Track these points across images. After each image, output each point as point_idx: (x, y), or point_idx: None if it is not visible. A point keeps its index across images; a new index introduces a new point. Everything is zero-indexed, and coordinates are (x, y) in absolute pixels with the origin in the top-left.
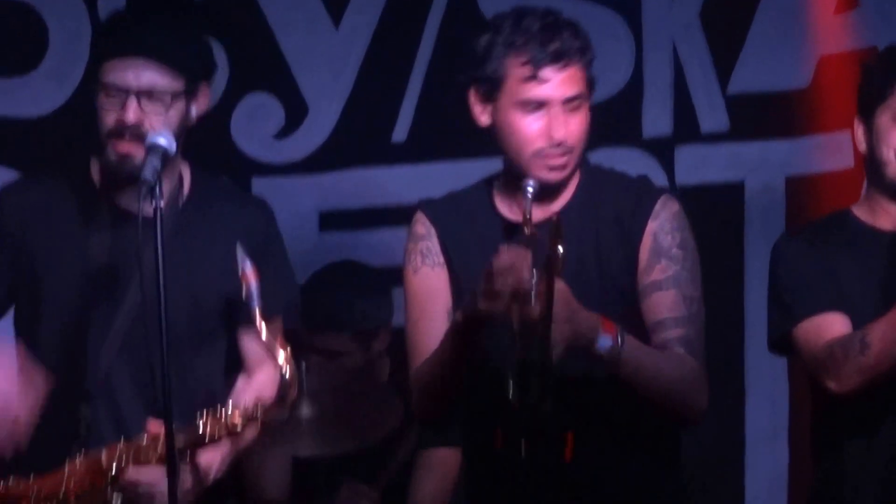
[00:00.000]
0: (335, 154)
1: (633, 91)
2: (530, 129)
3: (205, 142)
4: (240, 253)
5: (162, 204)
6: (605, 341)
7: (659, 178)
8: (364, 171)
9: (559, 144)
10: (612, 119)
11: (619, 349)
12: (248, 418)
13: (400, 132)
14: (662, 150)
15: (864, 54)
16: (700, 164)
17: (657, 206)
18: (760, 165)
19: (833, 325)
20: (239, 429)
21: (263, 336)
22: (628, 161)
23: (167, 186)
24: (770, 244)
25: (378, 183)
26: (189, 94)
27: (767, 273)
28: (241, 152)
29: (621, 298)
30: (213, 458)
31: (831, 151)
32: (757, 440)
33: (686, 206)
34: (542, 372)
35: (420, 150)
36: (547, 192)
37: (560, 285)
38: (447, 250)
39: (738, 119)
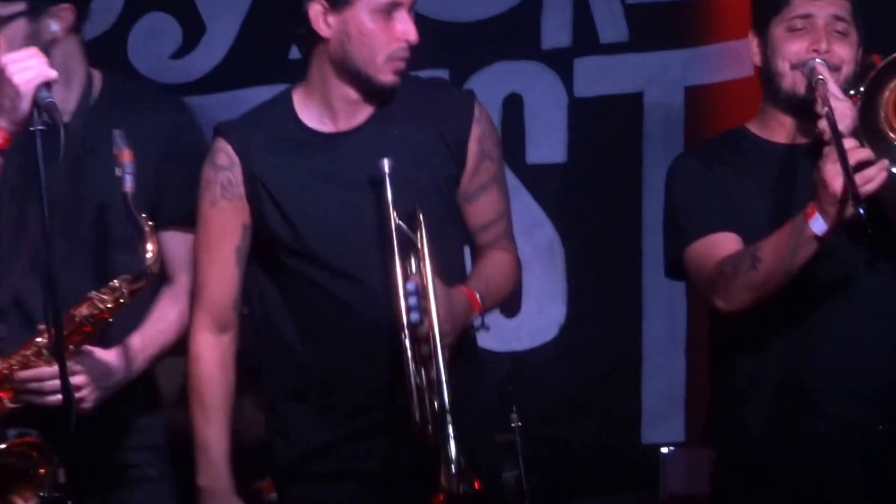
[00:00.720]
0: (233, 73)
1: (532, 3)
2: (391, 31)
3: (101, 62)
4: (117, 136)
5: (46, 118)
6: (476, 319)
7: (558, 90)
8: (262, 90)
9: (407, 46)
10: (510, 32)
11: (483, 311)
12: (115, 293)
13: (297, 50)
14: (561, 62)
15: None
16: (599, 76)
17: (476, 112)
18: (660, 76)
19: (724, 244)
20: (107, 305)
21: (135, 214)
22: (527, 74)
23: (72, 94)
24: (669, 155)
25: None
26: (34, 12)
27: (661, 185)
28: (138, 73)
29: (443, 202)
30: (107, 357)
31: (731, 60)
32: (654, 352)
33: (584, 118)
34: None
35: None
36: (378, 97)
37: (438, 289)
38: (251, 175)
39: (638, 29)
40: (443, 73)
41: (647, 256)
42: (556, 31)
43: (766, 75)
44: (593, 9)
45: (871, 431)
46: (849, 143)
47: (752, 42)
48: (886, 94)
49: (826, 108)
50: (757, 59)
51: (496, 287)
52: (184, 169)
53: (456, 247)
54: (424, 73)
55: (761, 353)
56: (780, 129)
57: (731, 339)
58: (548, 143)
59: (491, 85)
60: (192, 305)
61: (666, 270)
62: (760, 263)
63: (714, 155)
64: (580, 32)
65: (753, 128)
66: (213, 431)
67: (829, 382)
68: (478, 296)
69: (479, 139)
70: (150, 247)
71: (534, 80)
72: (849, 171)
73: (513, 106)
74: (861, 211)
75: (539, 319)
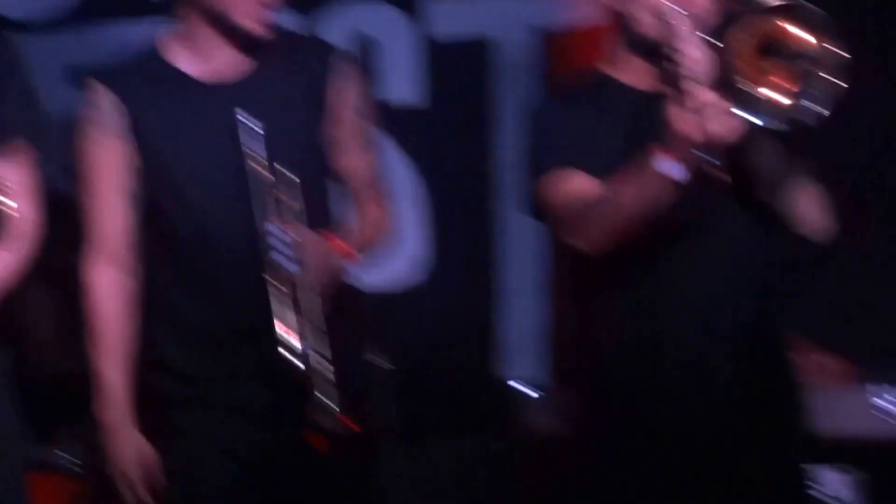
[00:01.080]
0: (90, 9)
1: None
2: None
3: None
4: None
5: None
6: (347, 268)
7: (410, 33)
8: (120, 28)
9: None
10: None
11: (356, 258)
12: None
13: None
14: (411, 4)
15: None
16: (450, 19)
17: (348, 68)
18: (510, 19)
19: (582, 182)
20: None
21: None
22: (375, 17)
23: None
24: (521, 99)
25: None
26: None
27: (517, 128)
28: None
29: (315, 155)
30: None
31: (587, 3)
32: (513, 290)
33: (437, 62)
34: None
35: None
36: (248, 46)
37: (310, 237)
38: (130, 120)
39: None
40: (294, 16)
41: (504, 195)
42: None
43: (622, 20)
44: None
45: (723, 373)
46: (702, 89)
47: None
48: (743, 44)
49: (680, 54)
50: (612, 2)
51: (369, 235)
52: (8, 89)
53: (326, 198)
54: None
55: (618, 295)
56: (636, 74)
57: (590, 279)
58: (400, 86)
59: (342, 28)
60: (85, 249)
61: (523, 208)
62: (609, 201)
63: (574, 98)
64: None
65: (613, 72)
66: (111, 368)
67: (682, 325)
68: (350, 244)
69: (351, 94)
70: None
71: (388, 22)
72: (697, 118)
73: (365, 49)
74: (704, 158)
75: (399, 260)
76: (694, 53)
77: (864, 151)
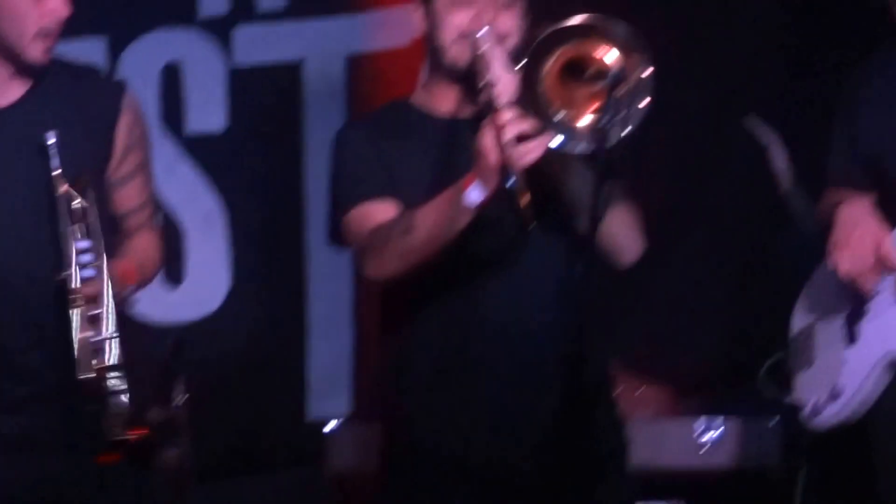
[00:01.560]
0: None
1: None
2: (41, 5)
3: None
4: None
5: None
6: (129, 290)
7: (217, 60)
8: None
9: (59, 21)
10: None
11: (138, 283)
12: None
13: None
14: (219, 31)
15: None
16: (258, 45)
17: (125, 102)
18: (320, 44)
19: (382, 211)
20: None
21: None
22: (185, 44)
23: None
24: (330, 124)
25: None
26: None
27: (327, 156)
28: None
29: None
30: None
31: (395, 27)
32: (319, 322)
33: (244, 89)
34: None
35: None
36: (29, 73)
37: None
38: None
39: None
40: (100, 42)
41: (310, 226)
42: None
43: (430, 46)
44: None
45: (538, 405)
46: (508, 114)
47: (416, 11)
48: (548, 65)
49: (487, 80)
50: (420, 29)
51: (147, 263)
52: None
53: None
54: (80, 43)
55: (426, 323)
56: (444, 100)
57: (397, 308)
58: (207, 112)
59: (149, 54)
60: None
61: (330, 238)
62: (415, 230)
63: (376, 126)
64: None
65: (416, 99)
66: None
67: (493, 355)
68: (135, 267)
69: (127, 128)
70: None
71: (191, 49)
72: (503, 143)
73: (171, 76)
74: (510, 183)
75: (202, 289)
76: (506, 79)
77: (679, 167)
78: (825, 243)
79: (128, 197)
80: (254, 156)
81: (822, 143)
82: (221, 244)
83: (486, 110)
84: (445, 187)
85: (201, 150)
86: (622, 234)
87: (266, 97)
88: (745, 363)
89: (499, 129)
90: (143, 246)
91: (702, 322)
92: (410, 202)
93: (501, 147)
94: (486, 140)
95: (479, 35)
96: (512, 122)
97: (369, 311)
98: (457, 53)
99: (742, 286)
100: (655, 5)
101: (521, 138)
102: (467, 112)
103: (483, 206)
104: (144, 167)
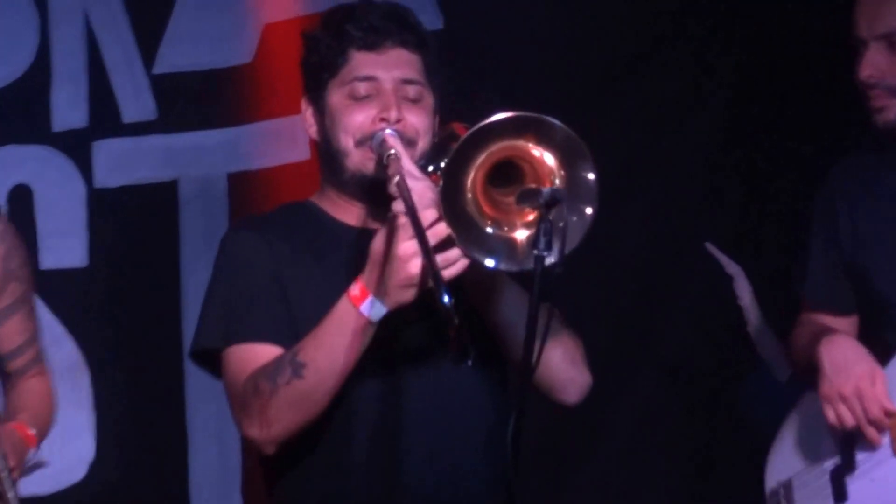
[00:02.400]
0: None
1: (39, 74)
2: None
3: None
4: None
5: None
6: (32, 455)
7: (74, 180)
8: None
9: None
10: (15, 109)
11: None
12: None
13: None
14: (77, 146)
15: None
16: (124, 162)
17: (1, 227)
18: (197, 160)
19: (265, 356)
20: None
21: None
22: (36, 161)
23: None
24: (211, 252)
25: None
26: None
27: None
28: None
29: None
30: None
31: (283, 141)
32: (203, 486)
33: (110, 213)
34: None
35: None
36: None
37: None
38: None
39: (168, 106)
40: None
41: (190, 372)
42: (69, 108)
43: (327, 152)
44: (112, 80)
45: None
46: (427, 215)
47: (307, 112)
48: (472, 172)
49: (398, 181)
50: (313, 132)
51: (42, 418)
52: None
53: None
54: None
55: (338, 458)
56: (348, 211)
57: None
58: (65, 243)
59: None
60: None
61: (191, 355)
62: (305, 369)
63: (274, 231)
64: (98, 110)
65: (322, 203)
66: None
67: (408, 490)
68: (30, 429)
69: (2, 258)
70: None
71: (44, 167)
72: (429, 251)
73: (21, 199)
74: (446, 299)
75: (63, 457)
76: (420, 187)
77: (628, 297)
78: (799, 386)
79: (9, 335)
80: (122, 292)
81: (787, 277)
82: (85, 400)
83: (395, 220)
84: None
85: (59, 289)
86: (564, 368)
87: (134, 223)
88: None
89: (416, 235)
90: (36, 396)
91: (659, 477)
92: (309, 319)
93: (422, 256)
94: (402, 246)
95: (384, 135)
96: (433, 228)
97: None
98: (360, 158)
99: (703, 437)
100: (602, 111)
101: (441, 246)
102: (377, 224)
103: (380, 322)
104: (25, 301)
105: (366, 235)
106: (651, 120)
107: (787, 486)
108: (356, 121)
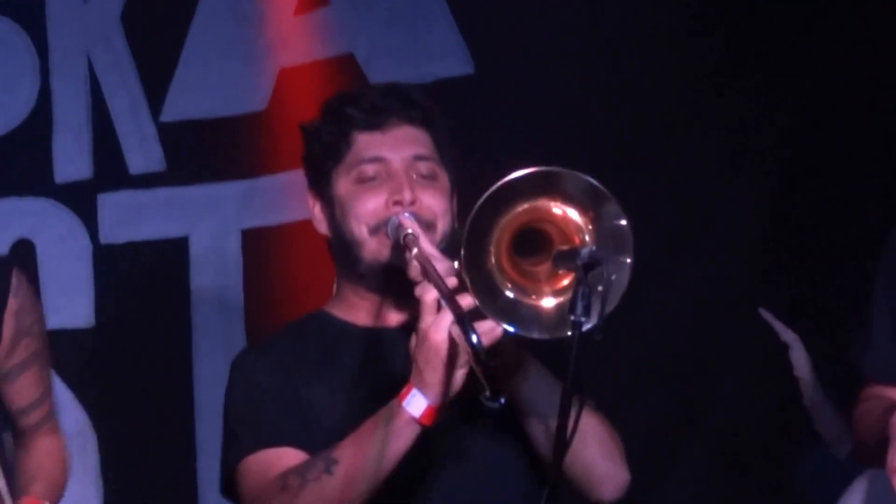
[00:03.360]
0: None
1: (41, 122)
2: None
3: None
4: None
5: None
6: None
7: (79, 235)
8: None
9: None
10: (14, 159)
11: None
12: None
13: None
14: (81, 199)
15: (334, 65)
16: (130, 216)
17: (14, 281)
18: (208, 215)
19: (286, 459)
20: None
21: None
22: (39, 215)
23: None
24: (224, 313)
25: None
26: None
27: (221, 360)
28: None
29: None
30: None
31: (301, 194)
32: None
33: (117, 271)
34: None
35: None
36: None
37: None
38: None
39: (177, 156)
40: None
41: (202, 448)
42: (71, 158)
43: (340, 246)
44: (118, 129)
45: None
46: (450, 282)
47: (314, 208)
48: (493, 239)
49: (416, 254)
50: (324, 228)
51: (57, 482)
52: None
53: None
54: None
55: None
56: (362, 308)
57: None
58: (69, 302)
59: None
60: None
61: (221, 488)
62: (337, 465)
63: (284, 348)
64: (103, 160)
65: (333, 309)
66: None
67: None
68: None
69: (15, 313)
70: None
71: (47, 221)
72: (465, 322)
73: (23, 255)
74: (474, 339)
75: None
76: (443, 268)
77: (674, 368)
78: (857, 464)
79: (21, 391)
80: (130, 355)
81: (846, 345)
82: (92, 471)
83: (437, 285)
84: (368, 411)
85: (63, 351)
86: (600, 463)
87: (143, 282)
88: None
89: (450, 307)
90: (49, 457)
91: None
92: (328, 438)
93: (459, 328)
94: (429, 324)
95: (400, 218)
96: (457, 293)
97: None
98: (375, 247)
99: None
100: (645, 167)
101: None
102: (394, 321)
103: (432, 417)
104: (38, 357)
105: (377, 335)
106: (702, 179)
107: None
108: (368, 207)
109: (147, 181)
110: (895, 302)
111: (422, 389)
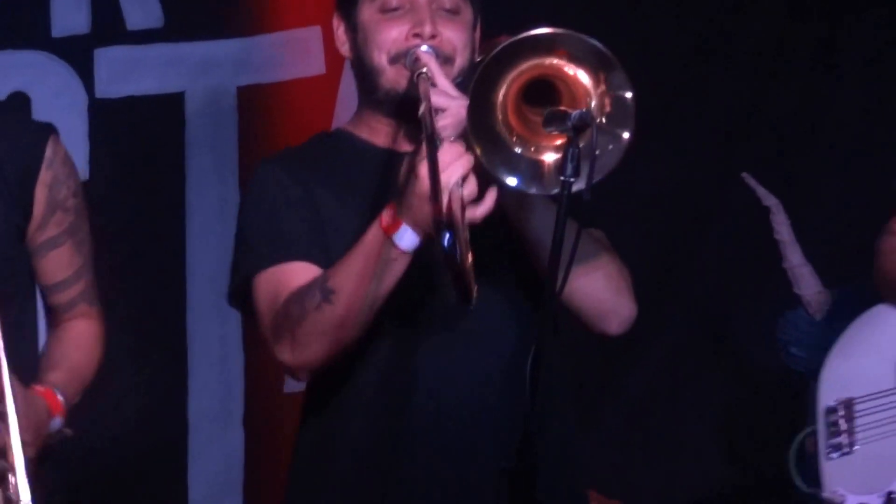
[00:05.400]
0: None
1: None
2: None
3: None
4: None
5: None
6: (55, 423)
7: (75, 88)
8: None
9: None
10: (11, 13)
11: (66, 409)
12: None
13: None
14: (78, 53)
15: None
16: (127, 71)
17: (49, 152)
18: (205, 72)
19: (300, 275)
20: None
21: None
22: (35, 68)
23: None
24: (218, 169)
25: None
26: None
27: (214, 214)
28: None
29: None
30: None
31: (298, 53)
32: (203, 424)
33: (109, 124)
34: None
35: None
36: None
37: (17, 393)
38: None
39: (175, 12)
40: None
41: (192, 302)
42: (69, 12)
43: (360, 70)
44: None
45: (489, 473)
46: (454, 150)
47: (339, 29)
48: (503, 88)
49: (428, 106)
50: (345, 50)
51: (79, 371)
52: None
53: (29, 311)
54: None
55: (350, 401)
56: (381, 132)
57: (314, 390)
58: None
59: None
60: None
61: (229, 296)
62: (335, 295)
63: (304, 161)
64: (101, 15)
65: (355, 129)
66: None
67: (435, 429)
68: (58, 395)
69: (48, 185)
70: None
71: (43, 74)
72: (448, 189)
73: (18, 107)
74: (446, 242)
75: None
76: (455, 106)
77: (663, 225)
78: (835, 325)
79: (52, 268)
80: (123, 209)
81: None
82: None
83: (428, 140)
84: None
85: None
86: (607, 296)
87: (138, 136)
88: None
89: (442, 169)
90: (76, 343)
91: (689, 413)
92: (341, 243)
93: (446, 194)
94: (423, 181)
95: (419, 52)
96: (458, 161)
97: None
98: (394, 76)
99: (736, 374)
100: (644, 33)
101: (466, 172)
102: (407, 146)
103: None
104: (74, 233)
105: (395, 157)
106: (691, 45)
107: (848, 405)
108: (389, 37)
109: (144, 37)
110: None
111: (411, 224)
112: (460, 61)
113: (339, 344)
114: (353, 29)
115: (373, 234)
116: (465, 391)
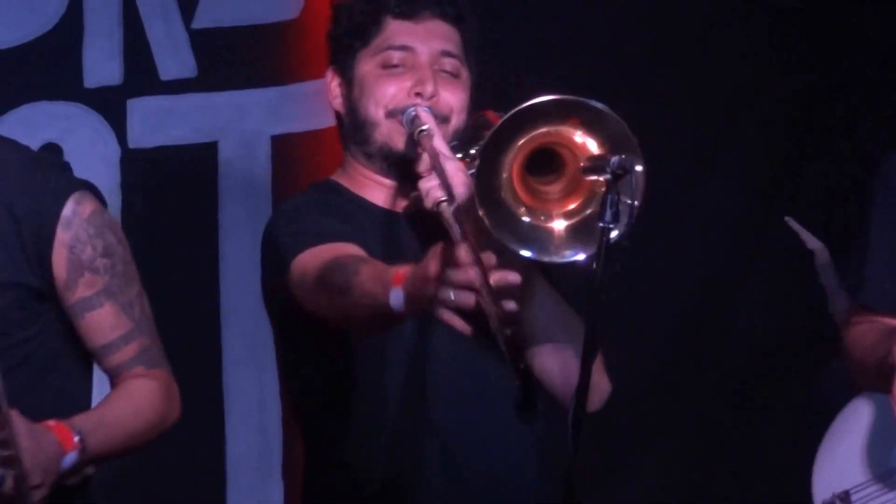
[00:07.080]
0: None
1: (71, 27)
2: None
3: None
4: None
5: None
6: (68, 459)
7: (107, 140)
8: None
9: None
10: (45, 63)
11: (87, 451)
12: None
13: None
14: (111, 105)
15: None
16: (160, 122)
17: (66, 211)
18: (238, 121)
19: (344, 247)
20: None
21: None
22: (67, 119)
23: None
24: (252, 219)
25: None
26: None
27: (248, 265)
28: None
29: (23, 315)
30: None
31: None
32: (240, 403)
33: (145, 175)
34: None
35: None
36: None
37: (22, 430)
38: None
39: (208, 62)
40: None
41: (228, 351)
42: (102, 63)
43: (353, 124)
44: (150, 36)
45: None
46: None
47: (332, 83)
48: (510, 156)
49: (428, 169)
50: (338, 104)
51: (116, 419)
52: None
53: (68, 370)
54: None
55: (374, 402)
56: (372, 188)
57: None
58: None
59: (23, 131)
60: None
61: (263, 289)
62: (357, 277)
63: (318, 199)
64: (134, 66)
65: (343, 181)
66: None
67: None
68: (73, 431)
69: (68, 246)
70: None
71: (76, 125)
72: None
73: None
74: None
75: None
76: (452, 168)
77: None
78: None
79: (93, 330)
80: (156, 259)
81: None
82: None
83: (426, 206)
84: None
85: None
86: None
87: (170, 187)
88: None
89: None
90: (117, 397)
91: (738, 456)
92: None
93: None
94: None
95: (418, 111)
96: (479, 266)
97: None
98: (388, 130)
99: (783, 422)
100: (664, 89)
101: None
102: (401, 207)
103: (404, 317)
104: (114, 294)
105: (393, 218)
106: (734, 85)
107: (844, 498)
108: (388, 92)
109: (177, 87)
110: (891, 229)
111: (409, 297)
112: (455, 123)
113: (335, 311)
114: (348, 83)
115: (385, 275)
116: (479, 439)
